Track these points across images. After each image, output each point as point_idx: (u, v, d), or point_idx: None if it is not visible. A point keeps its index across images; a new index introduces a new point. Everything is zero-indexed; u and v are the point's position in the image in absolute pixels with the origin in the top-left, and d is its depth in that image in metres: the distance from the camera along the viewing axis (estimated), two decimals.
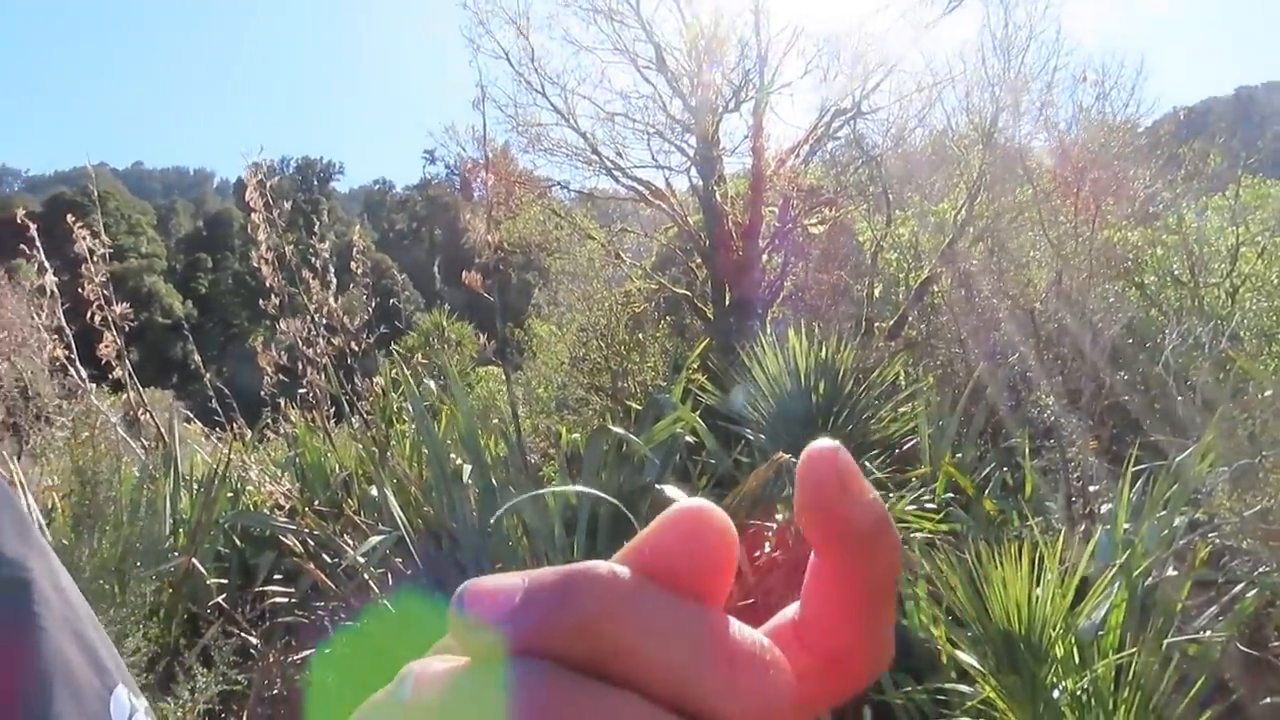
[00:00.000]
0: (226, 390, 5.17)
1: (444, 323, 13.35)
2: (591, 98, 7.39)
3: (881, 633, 0.22)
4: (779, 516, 3.94)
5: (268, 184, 4.01)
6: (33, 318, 4.57)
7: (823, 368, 4.03)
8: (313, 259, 4.82)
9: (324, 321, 4.58)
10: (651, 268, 7.99)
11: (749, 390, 3.97)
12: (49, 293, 3.96)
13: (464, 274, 3.95)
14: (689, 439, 3.89)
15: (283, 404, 4.73)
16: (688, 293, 7.39)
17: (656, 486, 2.99)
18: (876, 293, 7.74)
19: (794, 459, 3.36)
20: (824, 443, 0.21)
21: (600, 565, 0.21)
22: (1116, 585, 2.43)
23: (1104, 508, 3.51)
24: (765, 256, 7.62)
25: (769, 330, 4.91)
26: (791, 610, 0.23)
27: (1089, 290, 5.76)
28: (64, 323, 4.11)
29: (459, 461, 3.64)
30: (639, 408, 5.85)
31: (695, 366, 5.14)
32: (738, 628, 0.21)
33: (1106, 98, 7.63)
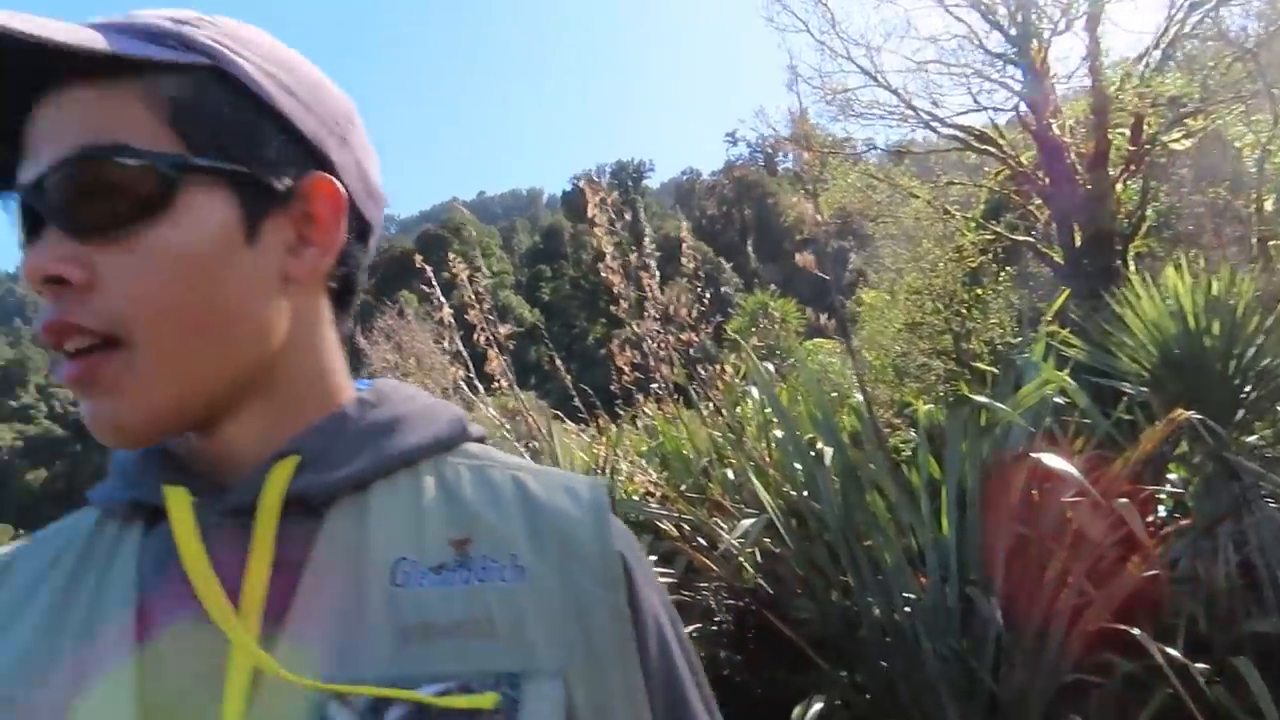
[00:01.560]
0: (586, 388, 5.68)
1: (768, 301, 13.53)
2: (899, 51, 7.07)
3: None
4: (1171, 477, 3.51)
5: (608, 199, 4.35)
6: (437, 341, 5.40)
7: (1213, 304, 3.52)
8: (644, 258, 5.13)
9: (657, 316, 4.86)
10: (982, 217, 7.45)
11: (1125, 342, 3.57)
12: (446, 323, 4.64)
13: (797, 255, 3.98)
14: (1056, 399, 3.60)
15: (640, 398, 5.10)
16: (1029, 238, 6.78)
17: (1030, 455, 2.80)
18: (1268, 206, 6.55)
19: (1195, 415, 2.97)
20: None
21: None
22: None
23: None
24: (1119, 186, 6.76)
25: (1132, 267, 4.37)
26: None
27: None
28: (460, 346, 4.80)
29: (808, 438, 3.69)
30: (988, 368, 5.51)
31: (1051, 318, 4.73)
32: None
33: None
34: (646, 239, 5.37)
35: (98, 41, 0.53)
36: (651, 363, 4.62)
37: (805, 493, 3.35)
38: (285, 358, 0.61)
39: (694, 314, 5.05)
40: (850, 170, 7.38)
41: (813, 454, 3.41)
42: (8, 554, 0.64)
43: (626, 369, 4.74)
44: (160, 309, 0.54)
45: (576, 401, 5.60)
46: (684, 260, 5.49)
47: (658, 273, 5.04)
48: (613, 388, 5.64)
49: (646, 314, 4.86)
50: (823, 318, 6.57)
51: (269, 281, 0.59)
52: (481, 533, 0.59)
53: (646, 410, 4.97)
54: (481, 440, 0.71)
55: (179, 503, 0.56)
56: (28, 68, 0.53)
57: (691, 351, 5.00)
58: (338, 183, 0.61)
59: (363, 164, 0.65)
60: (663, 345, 4.80)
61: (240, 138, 0.57)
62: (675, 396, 4.92)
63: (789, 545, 3.15)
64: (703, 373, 4.99)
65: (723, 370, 4.97)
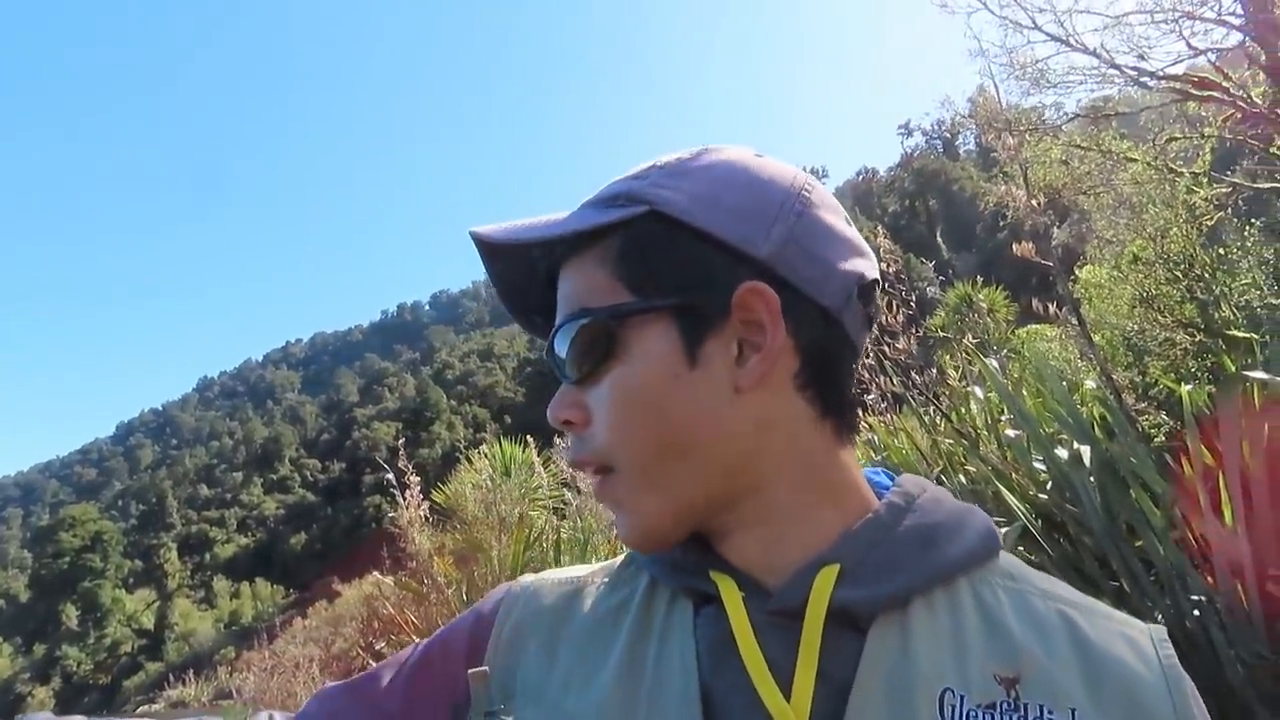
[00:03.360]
0: None
1: (971, 293, 12.87)
2: (1091, 9, 6.51)
3: None
4: None
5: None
6: None
7: None
8: None
9: None
10: (1212, 169, 6.71)
11: None
12: None
13: (1015, 247, 3.76)
14: None
15: (860, 412, 4.99)
16: (1277, 183, 6.00)
17: None
18: None
19: None
20: None
21: None
22: None
23: None
24: None
25: None
26: None
27: None
28: None
29: (1050, 433, 3.45)
30: (1246, 336, 4.95)
31: None
32: None
33: None
34: None
35: (552, 229, 0.64)
36: (867, 375, 4.50)
37: (1059, 493, 3.13)
38: (766, 466, 0.62)
39: (900, 318, 4.90)
40: (1054, 144, 6.89)
41: (1060, 450, 3.18)
42: (578, 579, 0.72)
43: None
44: (624, 437, 0.62)
45: None
46: (882, 265, 5.32)
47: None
48: None
49: None
50: (1035, 302, 6.10)
51: (719, 397, 0.61)
52: (1032, 674, 0.55)
53: (867, 423, 4.84)
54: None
55: (732, 598, 0.60)
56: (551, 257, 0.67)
57: (904, 358, 4.83)
58: (765, 287, 0.60)
59: (810, 248, 0.63)
60: (873, 355, 4.67)
61: (674, 270, 0.61)
62: (893, 406, 4.76)
63: (1048, 552, 2.95)
64: (918, 378, 4.81)
65: (942, 373, 4.77)
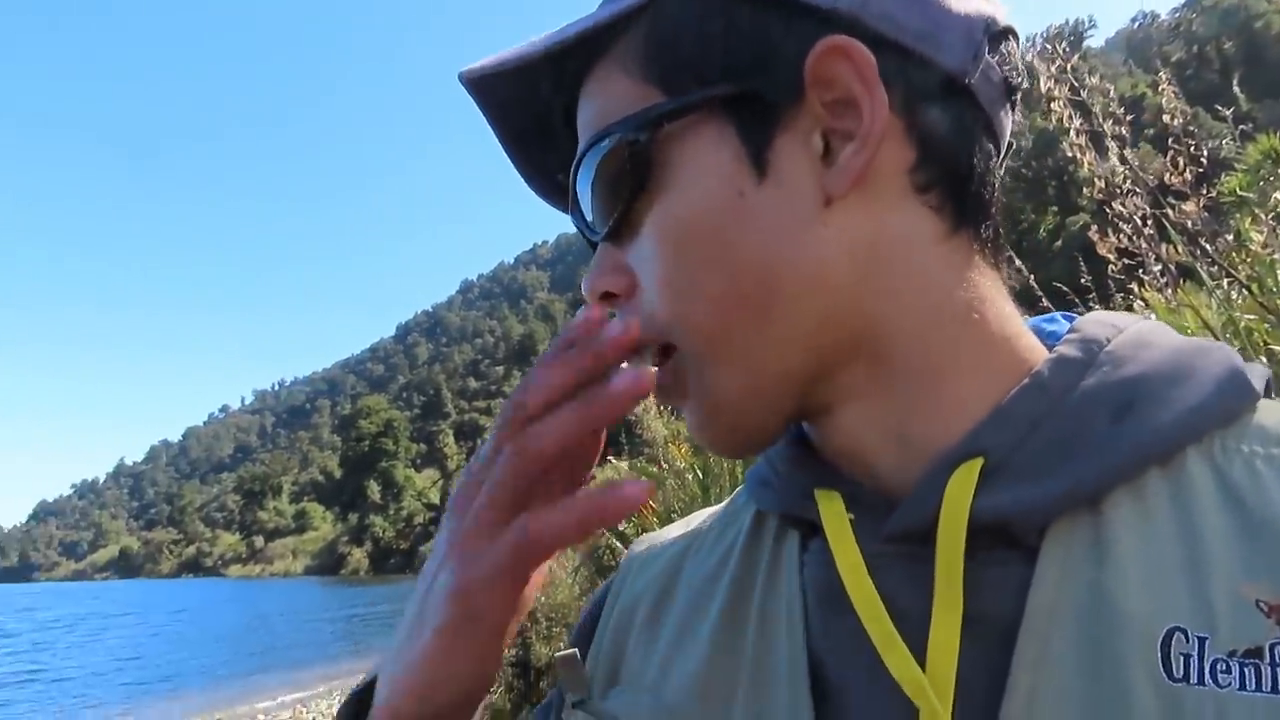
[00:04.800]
0: (1061, 285, 5.09)
1: (1279, 147, 10.95)
2: None
3: None
4: None
5: (1066, 65, 3.79)
6: None
7: None
8: (1115, 124, 4.39)
9: (1139, 191, 4.14)
10: None
11: None
12: None
13: None
14: None
15: (1132, 288, 4.43)
16: None
17: None
18: None
19: None
20: None
21: None
22: None
23: None
24: None
25: None
26: None
27: None
28: None
29: None
30: None
31: None
32: None
33: None
34: (1112, 100, 4.61)
35: (551, 39, 0.47)
36: (1144, 245, 3.95)
37: None
38: (877, 309, 0.44)
39: (1188, 177, 4.24)
40: None
41: None
42: (693, 530, 0.59)
43: (1112, 256, 4.11)
44: (682, 295, 0.45)
45: (1044, 302, 5.06)
46: (1166, 117, 4.61)
47: (1128, 138, 4.30)
48: (1084, 280, 4.98)
49: (1125, 190, 4.17)
50: None
51: (803, 214, 0.43)
52: None
53: (1143, 298, 4.30)
54: (1269, 393, 0.43)
55: (836, 522, 0.45)
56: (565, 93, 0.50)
57: (1190, 224, 4.20)
58: (851, 42, 0.42)
59: None
60: (1151, 221, 4.10)
61: (716, 48, 0.44)
62: (1177, 279, 4.18)
63: None
64: (1209, 247, 4.17)
65: (1241, 240, 4.11)
